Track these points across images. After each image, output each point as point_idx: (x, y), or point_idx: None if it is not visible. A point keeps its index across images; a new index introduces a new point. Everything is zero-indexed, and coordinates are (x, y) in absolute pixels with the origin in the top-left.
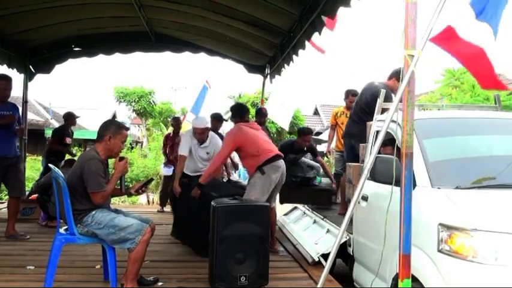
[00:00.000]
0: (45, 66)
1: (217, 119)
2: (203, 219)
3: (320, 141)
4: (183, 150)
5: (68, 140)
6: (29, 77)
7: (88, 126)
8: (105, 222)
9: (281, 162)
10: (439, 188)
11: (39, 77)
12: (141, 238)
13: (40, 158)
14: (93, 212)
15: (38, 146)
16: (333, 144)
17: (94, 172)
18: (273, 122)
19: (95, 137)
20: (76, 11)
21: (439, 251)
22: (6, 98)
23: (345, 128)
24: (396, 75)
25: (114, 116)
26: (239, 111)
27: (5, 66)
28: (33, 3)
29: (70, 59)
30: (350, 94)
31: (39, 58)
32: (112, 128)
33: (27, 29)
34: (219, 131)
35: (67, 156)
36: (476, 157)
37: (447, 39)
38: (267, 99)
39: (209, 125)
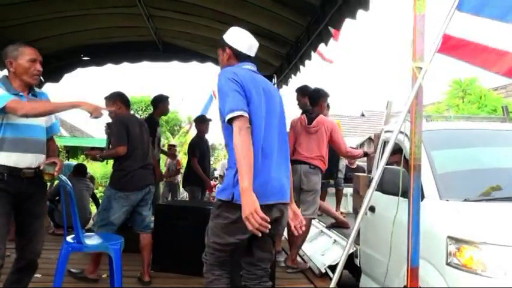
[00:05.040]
0: (54, 75)
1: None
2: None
3: None
4: None
5: None
6: (38, 85)
7: (95, 134)
8: None
9: (296, 166)
10: (447, 200)
11: (47, 86)
12: None
13: None
14: None
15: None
16: None
17: None
18: None
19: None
20: (85, 22)
21: (448, 264)
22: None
23: None
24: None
25: None
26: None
27: None
28: (42, 13)
29: (79, 68)
30: None
31: (48, 67)
32: None
33: (36, 38)
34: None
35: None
36: (485, 169)
37: (453, 46)
38: None
39: None
